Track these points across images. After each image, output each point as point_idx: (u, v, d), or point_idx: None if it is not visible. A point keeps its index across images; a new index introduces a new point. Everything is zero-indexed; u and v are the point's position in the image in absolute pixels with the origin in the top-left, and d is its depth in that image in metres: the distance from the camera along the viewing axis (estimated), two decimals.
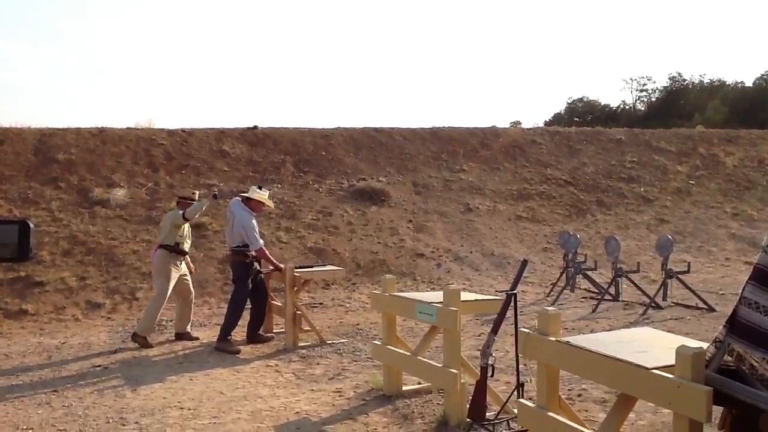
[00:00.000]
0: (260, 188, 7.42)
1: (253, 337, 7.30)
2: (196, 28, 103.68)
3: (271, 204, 7.64)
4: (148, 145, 12.94)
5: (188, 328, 7.58)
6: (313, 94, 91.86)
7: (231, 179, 12.62)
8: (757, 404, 2.53)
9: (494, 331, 4.13)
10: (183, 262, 7.50)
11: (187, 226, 7.51)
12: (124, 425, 4.70)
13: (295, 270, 7.35)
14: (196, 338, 7.50)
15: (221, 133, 13.96)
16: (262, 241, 7.15)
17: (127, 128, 13.61)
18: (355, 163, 14.15)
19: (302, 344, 7.07)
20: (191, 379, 5.90)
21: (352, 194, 13.06)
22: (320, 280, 9.62)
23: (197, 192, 8.00)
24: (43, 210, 10.72)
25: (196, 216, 7.48)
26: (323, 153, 14.18)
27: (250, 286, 7.20)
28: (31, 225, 1.17)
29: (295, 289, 7.26)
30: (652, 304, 8.71)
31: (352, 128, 15.58)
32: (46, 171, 11.64)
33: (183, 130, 13.77)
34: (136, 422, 4.76)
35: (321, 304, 9.42)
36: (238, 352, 6.85)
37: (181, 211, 7.29)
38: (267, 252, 7.30)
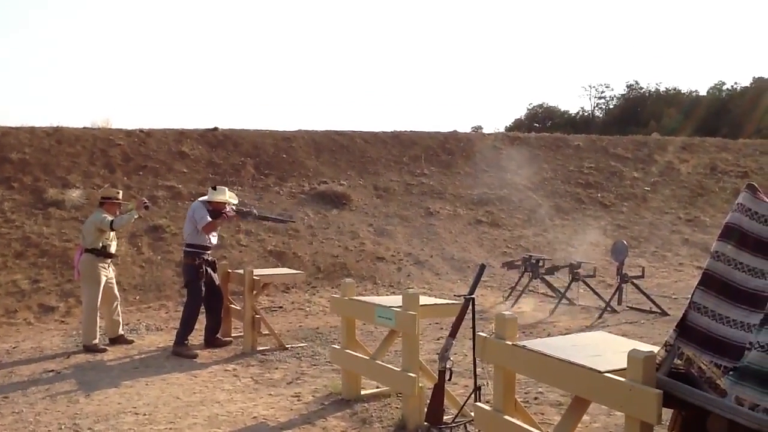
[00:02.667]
0: (215, 188, 7.16)
1: (211, 341, 7.21)
2: (155, 27, 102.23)
3: (232, 200, 7.20)
4: (105, 146, 12.70)
5: (120, 331, 7.44)
6: (275, 96, 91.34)
7: (190, 181, 12.46)
8: (704, 406, 2.60)
9: (452, 334, 4.17)
10: (111, 266, 7.35)
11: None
12: None
13: (255, 273, 7.29)
14: (131, 341, 7.39)
15: (180, 134, 13.78)
16: (208, 218, 6.86)
17: (84, 128, 13.34)
18: (316, 166, 14.11)
19: (261, 348, 7.02)
20: (147, 384, 5.81)
21: (313, 197, 13.02)
22: (280, 283, 9.58)
23: (121, 191, 7.69)
24: None
25: (124, 226, 7.38)
26: (284, 155, 14.11)
27: (204, 289, 7.04)
28: None
29: (255, 292, 7.21)
30: (608, 308, 8.87)
31: (313, 131, 15.54)
32: None
33: (141, 131, 13.56)
34: (90, 428, 4.66)
35: (280, 307, 9.36)
36: (196, 356, 6.76)
37: (105, 215, 7.09)
38: (213, 222, 6.92)
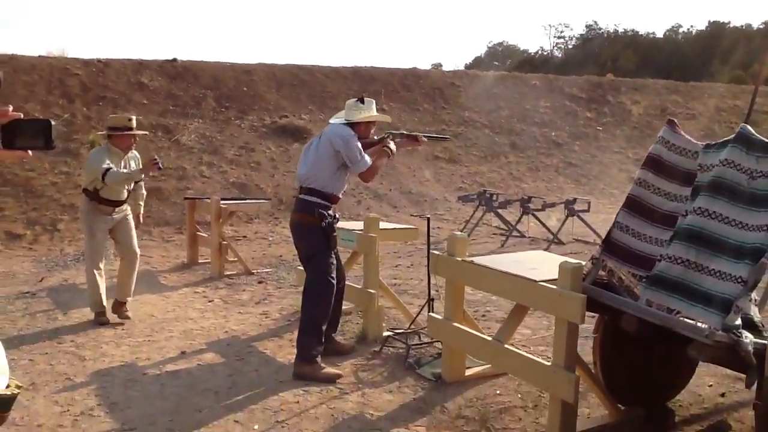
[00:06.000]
0: (363, 101, 4.38)
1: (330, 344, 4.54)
2: None
3: (383, 117, 4.85)
4: (62, 75, 12.60)
5: (128, 297, 5.70)
6: (235, 28, 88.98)
7: (150, 112, 12.51)
8: (621, 309, 3.07)
9: None
10: (118, 213, 5.55)
11: (132, 162, 5.56)
12: (60, 344, 4.93)
13: (221, 201, 7.58)
14: (127, 317, 5.58)
15: (139, 65, 13.71)
16: (368, 159, 4.23)
17: (39, 56, 13.17)
18: (277, 100, 14.24)
19: (228, 273, 7.37)
20: None
21: (274, 131, 13.20)
22: (244, 212, 9.88)
23: (134, 118, 5.68)
24: None
25: (120, 182, 5.38)
26: (245, 89, 14.17)
27: (334, 266, 4.28)
28: (53, 122, 1.51)
29: (221, 220, 7.51)
30: (555, 240, 9.44)
31: (273, 65, 15.58)
32: None
33: (99, 60, 13.44)
34: (72, 341, 4.99)
35: (244, 237, 9.69)
36: (333, 380, 4.12)
37: (106, 158, 5.28)
38: (377, 161, 4.30)
